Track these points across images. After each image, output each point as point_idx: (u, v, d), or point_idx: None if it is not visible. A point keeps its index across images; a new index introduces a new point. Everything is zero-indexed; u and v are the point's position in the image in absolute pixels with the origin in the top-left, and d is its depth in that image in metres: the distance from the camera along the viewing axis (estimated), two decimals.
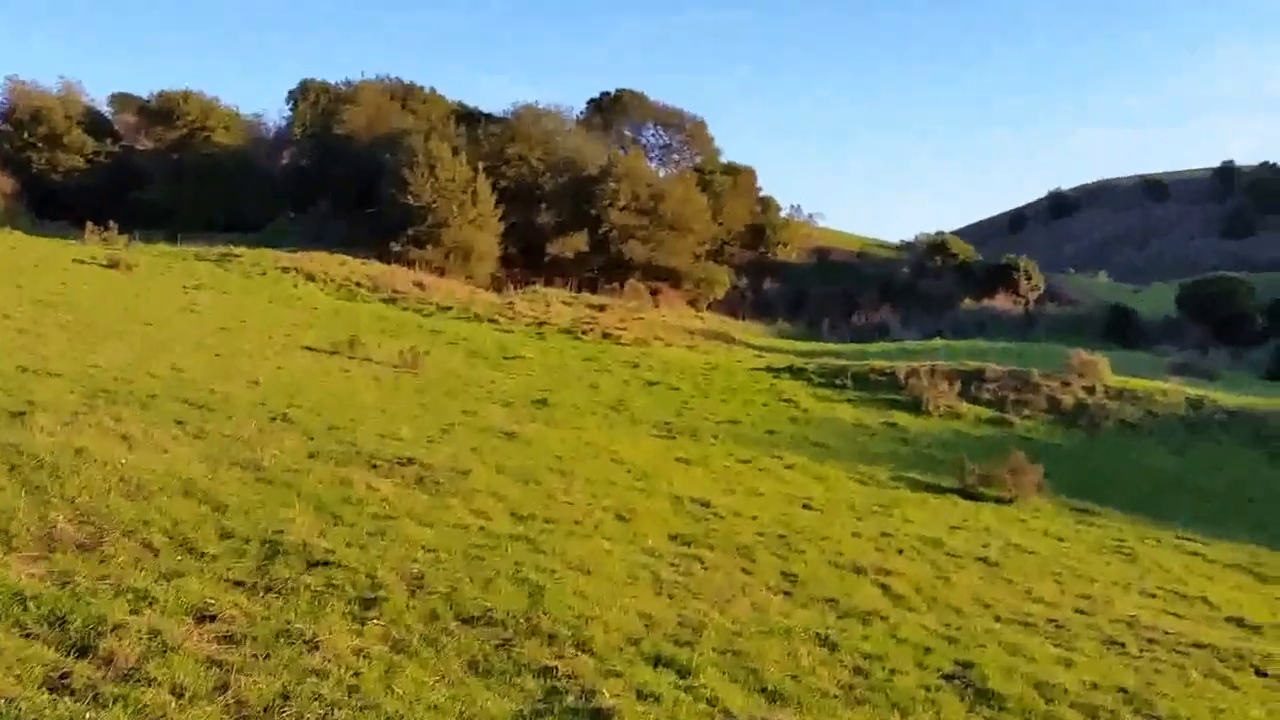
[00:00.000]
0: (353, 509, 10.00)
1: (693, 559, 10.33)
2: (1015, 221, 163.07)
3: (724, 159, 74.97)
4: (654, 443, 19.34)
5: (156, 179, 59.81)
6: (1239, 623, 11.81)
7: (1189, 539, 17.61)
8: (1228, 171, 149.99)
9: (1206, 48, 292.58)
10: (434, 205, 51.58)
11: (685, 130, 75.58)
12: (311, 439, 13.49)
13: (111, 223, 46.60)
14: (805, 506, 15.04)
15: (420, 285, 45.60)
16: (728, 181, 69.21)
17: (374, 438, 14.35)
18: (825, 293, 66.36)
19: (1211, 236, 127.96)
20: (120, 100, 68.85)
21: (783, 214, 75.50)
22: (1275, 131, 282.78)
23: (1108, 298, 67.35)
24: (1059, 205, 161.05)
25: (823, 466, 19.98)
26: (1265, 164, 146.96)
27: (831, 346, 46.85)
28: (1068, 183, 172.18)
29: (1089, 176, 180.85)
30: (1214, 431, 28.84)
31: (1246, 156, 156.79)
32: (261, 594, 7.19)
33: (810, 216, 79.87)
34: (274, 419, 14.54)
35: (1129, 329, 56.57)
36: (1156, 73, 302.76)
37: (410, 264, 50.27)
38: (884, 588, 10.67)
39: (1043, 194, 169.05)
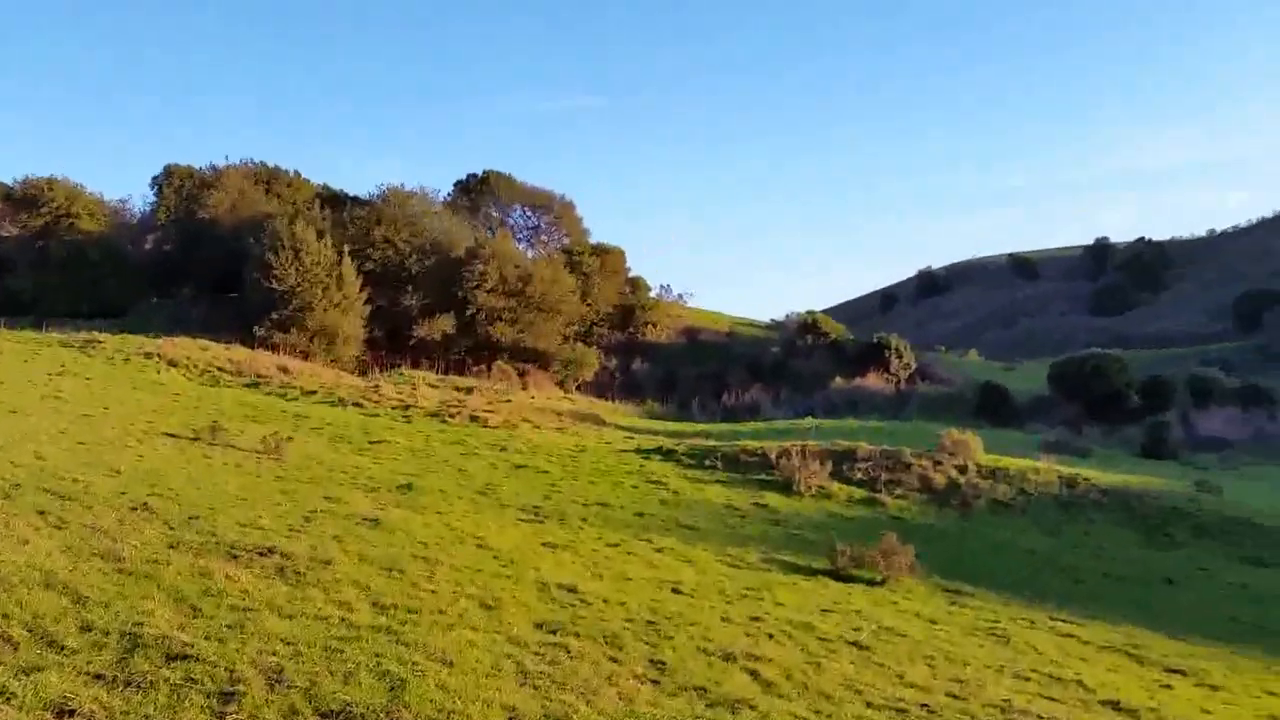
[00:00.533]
0: (212, 601, 9.80)
1: (559, 648, 10.22)
2: (886, 300, 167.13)
3: (593, 239, 75.81)
4: (521, 527, 19.20)
5: (21, 266, 59.18)
6: (1115, 706, 11.91)
7: (1063, 620, 17.76)
8: (1101, 248, 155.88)
9: (1079, 127, 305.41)
10: (298, 289, 51.17)
11: (553, 211, 76.30)
12: (172, 529, 13.21)
13: None
14: (675, 591, 15.01)
15: (284, 369, 44.99)
16: (596, 262, 69.81)
17: (235, 527, 14.07)
18: (695, 373, 67.00)
19: (1083, 314, 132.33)
20: None
21: (652, 294, 76.30)
22: (1147, 208, 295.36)
23: (979, 376, 69.07)
24: (929, 284, 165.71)
25: (693, 549, 19.99)
26: (1140, 239, 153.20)
27: (702, 427, 47.21)
28: (938, 262, 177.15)
29: (959, 255, 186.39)
30: (1088, 510, 29.55)
31: (1119, 233, 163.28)
32: (121, 688, 7.02)
33: (680, 296, 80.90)
34: (135, 508, 14.25)
35: (1001, 407, 57.87)
36: (1029, 153, 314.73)
37: (274, 348, 49.73)
38: (754, 674, 10.61)
39: (913, 273, 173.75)
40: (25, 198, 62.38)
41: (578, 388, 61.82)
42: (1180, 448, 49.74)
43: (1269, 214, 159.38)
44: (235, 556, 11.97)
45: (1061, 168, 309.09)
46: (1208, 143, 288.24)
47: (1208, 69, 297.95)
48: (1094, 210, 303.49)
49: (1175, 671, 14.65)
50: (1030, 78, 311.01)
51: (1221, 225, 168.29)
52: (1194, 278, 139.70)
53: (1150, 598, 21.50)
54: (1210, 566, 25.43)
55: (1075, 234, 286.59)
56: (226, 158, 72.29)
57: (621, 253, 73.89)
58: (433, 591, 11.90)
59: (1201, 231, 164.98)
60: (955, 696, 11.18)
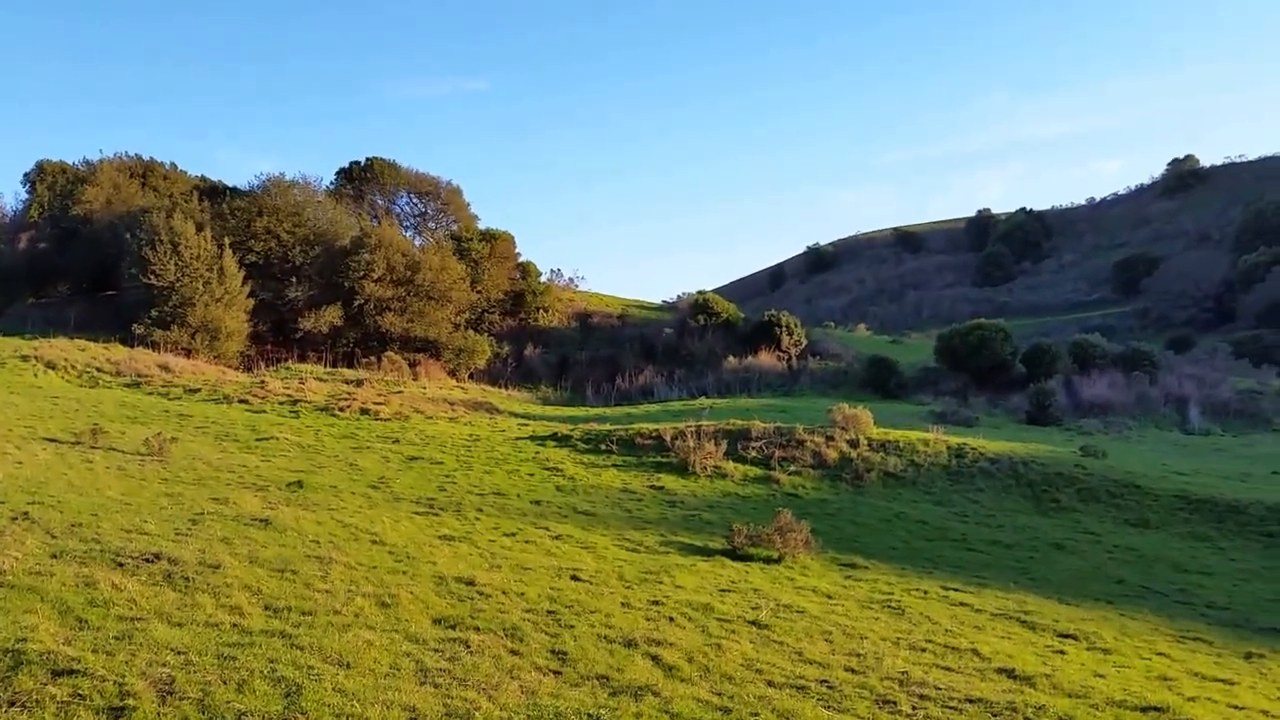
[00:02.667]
0: (99, 611, 9.63)
1: (459, 643, 10.17)
2: (775, 278, 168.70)
3: (482, 225, 75.22)
4: (416, 521, 19.02)
5: None
6: (1010, 674, 12.10)
7: (956, 589, 18.06)
8: (983, 220, 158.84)
9: (955, 100, 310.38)
10: (178, 284, 50.13)
11: (440, 197, 75.66)
12: (54, 538, 12.89)
13: None
14: (574, 578, 15.00)
15: (166, 368, 44.10)
16: (485, 248, 69.31)
17: (119, 533, 13.75)
18: (589, 357, 66.95)
19: (968, 285, 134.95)
20: None
21: (543, 279, 76.00)
22: (1025, 179, 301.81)
23: (868, 350, 69.84)
24: (818, 260, 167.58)
25: (591, 535, 20.00)
26: (1021, 210, 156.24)
27: (596, 411, 47.26)
28: (825, 238, 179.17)
29: (846, 231, 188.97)
30: (977, 479, 30.24)
31: (1000, 205, 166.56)
32: (5, 708, 6.90)
33: (571, 280, 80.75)
34: (15, 518, 13.86)
35: (889, 380, 58.52)
36: (911, 128, 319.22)
37: (155, 346, 48.68)
38: (655, 659, 10.68)
39: (802, 249, 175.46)
40: None
41: (470, 376, 61.40)
42: (1064, 414, 50.89)
43: (1146, 180, 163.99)
44: (121, 564, 11.71)
45: (939, 141, 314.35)
46: (1080, 114, 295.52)
47: (1077, 41, 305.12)
48: (976, 183, 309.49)
49: (1067, 636, 14.97)
50: (902, 51, 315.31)
51: (1100, 193, 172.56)
52: (1074, 246, 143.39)
53: (1040, 564, 21.99)
54: (1097, 530, 26.15)
55: (958, 206, 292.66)
56: (101, 152, 70.35)
57: (511, 238, 73.45)
58: (327, 591, 11.76)
59: (1080, 200, 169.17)
60: (854, 671, 11.35)
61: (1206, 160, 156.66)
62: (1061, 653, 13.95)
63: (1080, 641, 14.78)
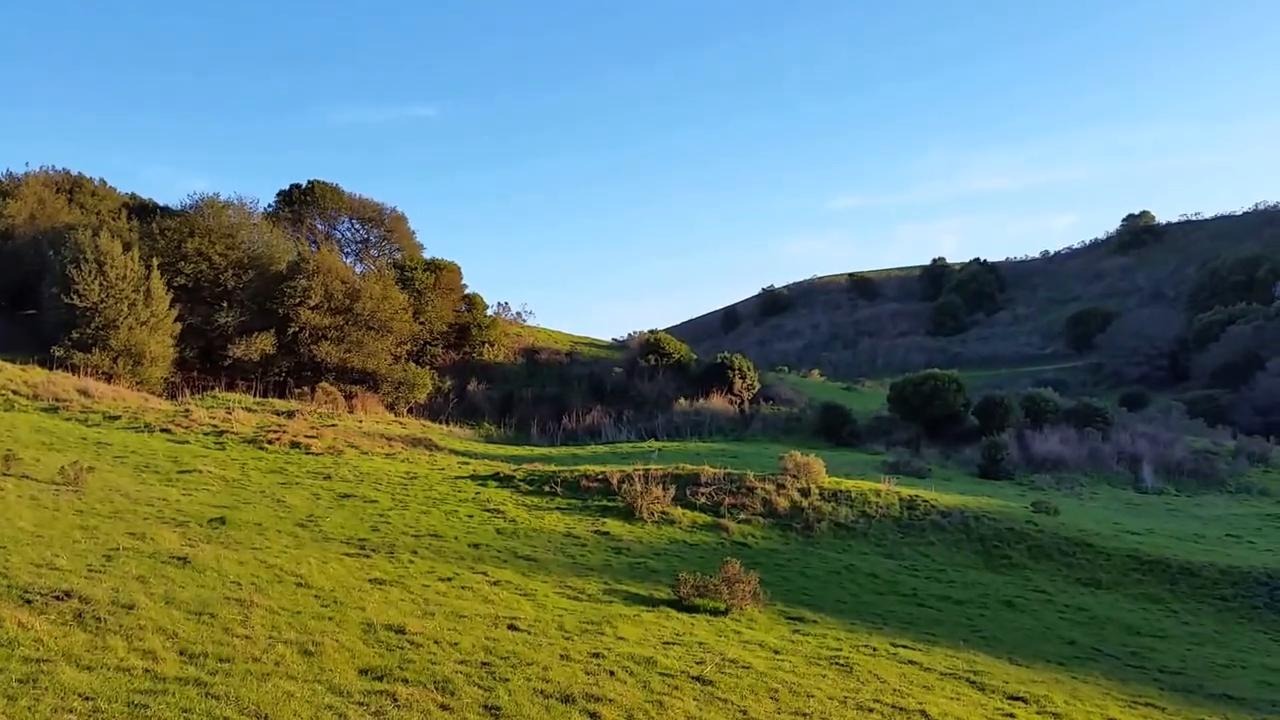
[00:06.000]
0: (2, 652, 9.38)
1: (385, 696, 9.93)
2: (729, 319, 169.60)
3: (427, 254, 74.88)
4: (346, 563, 18.68)
5: None
6: None
7: (905, 646, 18.03)
8: (937, 269, 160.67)
9: (911, 153, 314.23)
10: (102, 305, 49.35)
11: (384, 224, 75.32)
12: None
13: None
14: (512, 628, 14.76)
15: (85, 393, 43.30)
16: (430, 278, 68.95)
17: (29, 568, 13.42)
18: (535, 394, 66.69)
19: (920, 334, 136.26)
20: None
21: (489, 312, 75.72)
22: (978, 229, 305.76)
23: (821, 396, 70.22)
24: (772, 303, 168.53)
25: (532, 581, 19.76)
26: (975, 260, 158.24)
27: (541, 451, 47.07)
28: (780, 280, 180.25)
29: (801, 275, 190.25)
30: (928, 532, 30.31)
31: (955, 255, 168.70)
32: None
33: (519, 315, 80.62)
34: None
35: (842, 428, 58.90)
36: (864, 177, 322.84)
37: (75, 369, 47.77)
38: (594, 716, 10.52)
39: (756, 292, 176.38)
40: None
41: (410, 411, 60.90)
42: (1016, 468, 51.41)
43: (1101, 235, 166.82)
44: (29, 601, 11.43)
45: (895, 190, 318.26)
46: (1033, 169, 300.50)
47: (1034, 96, 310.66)
48: (930, 232, 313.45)
49: (1017, 699, 14.95)
50: (856, 96, 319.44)
51: (1054, 247, 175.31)
52: (1028, 299, 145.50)
53: (991, 622, 22.02)
54: (1048, 589, 26.28)
55: (911, 255, 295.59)
56: (26, 164, 69.35)
57: (457, 269, 73.16)
58: (247, 637, 11.47)
59: (1035, 253, 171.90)
60: None
61: (1162, 217, 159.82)
62: (1011, 716, 13.97)
63: (1030, 705, 14.77)
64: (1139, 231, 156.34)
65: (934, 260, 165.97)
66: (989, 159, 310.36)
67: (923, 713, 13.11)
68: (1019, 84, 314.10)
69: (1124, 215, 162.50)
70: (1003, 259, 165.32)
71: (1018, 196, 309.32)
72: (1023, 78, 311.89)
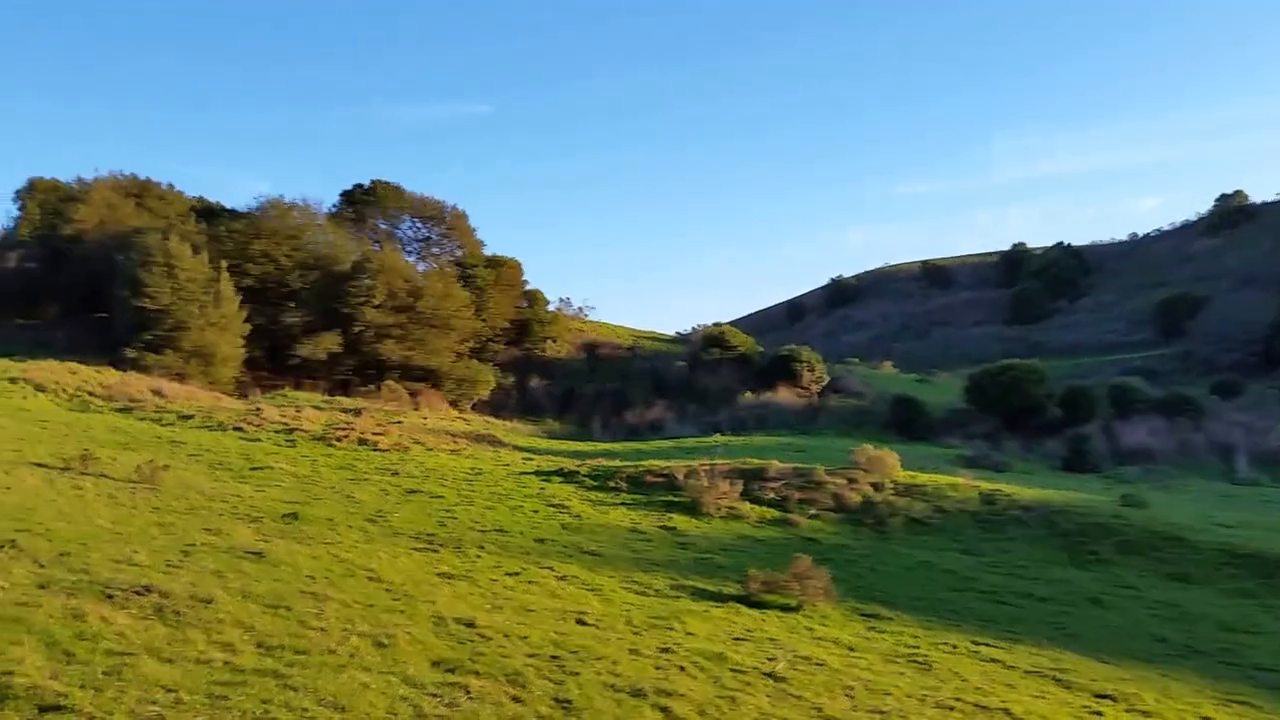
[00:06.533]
0: (87, 645, 9.68)
1: (458, 688, 10.16)
2: (795, 311, 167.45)
3: (488, 251, 75.37)
4: (414, 557, 19.04)
5: None
6: None
7: (986, 644, 17.75)
8: (1016, 255, 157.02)
9: (983, 137, 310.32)
10: (172, 307, 50.42)
11: (445, 222, 75.85)
12: (42, 567, 12.99)
13: None
14: (580, 622, 14.96)
15: (159, 393, 44.35)
16: (491, 275, 69.51)
17: (109, 563, 13.85)
18: (597, 389, 66.97)
19: (998, 323, 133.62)
20: None
21: (551, 307, 76.21)
22: (1057, 214, 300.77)
23: (892, 388, 69.35)
24: (840, 294, 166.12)
25: (598, 577, 19.95)
26: (1057, 245, 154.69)
27: (604, 446, 47.28)
28: (848, 270, 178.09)
29: (870, 264, 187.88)
30: (1008, 528, 29.76)
31: (1035, 239, 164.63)
32: None
33: (580, 309, 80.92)
34: (1, 546, 13.96)
35: (915, 421, 58.18)
36: (936, 162, 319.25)
37: (147, 370, 48.87)
38: (665, 710, 10.62)
39: (824, 282, 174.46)
40: None
41: (472, 407, 61.53)
42: (1102, 461, 50.55)
43: (1191, 216, 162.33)
44: (110, 596, 11.77)
45: (969, 174, 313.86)
46: (1114, 149, 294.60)
47: (1117, 74, 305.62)
48: (1006, 218, 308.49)
49: (1104, 697, 14.71)
50: (928, 81, 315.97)
51: (1139, 230, 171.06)
52: (1112, 284, 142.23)
53: (1076, 619, 21.63)
54: (1137, 585, 25.77)
55: (987, 242, 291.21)
56: (95, 170, 70.86)
57: (518, 265, 73.71)
58: (321, 629, 11.79)
59: (1121, 236, 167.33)
60: None
61: (1256, 196, 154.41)
62: (1099, 714, 13.74)
63: (1119, 703, 14.52)
64: (1231, 212, 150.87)
65: (1013, 245, 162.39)
66: (1069, 140, 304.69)
67: (1006, 711, 12.95)
68: (1099, 60, 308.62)
69: (1215, 195, 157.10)
70: (1086, 243, 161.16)
71: (1098, 179, 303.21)
72: (1105, 53, 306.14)
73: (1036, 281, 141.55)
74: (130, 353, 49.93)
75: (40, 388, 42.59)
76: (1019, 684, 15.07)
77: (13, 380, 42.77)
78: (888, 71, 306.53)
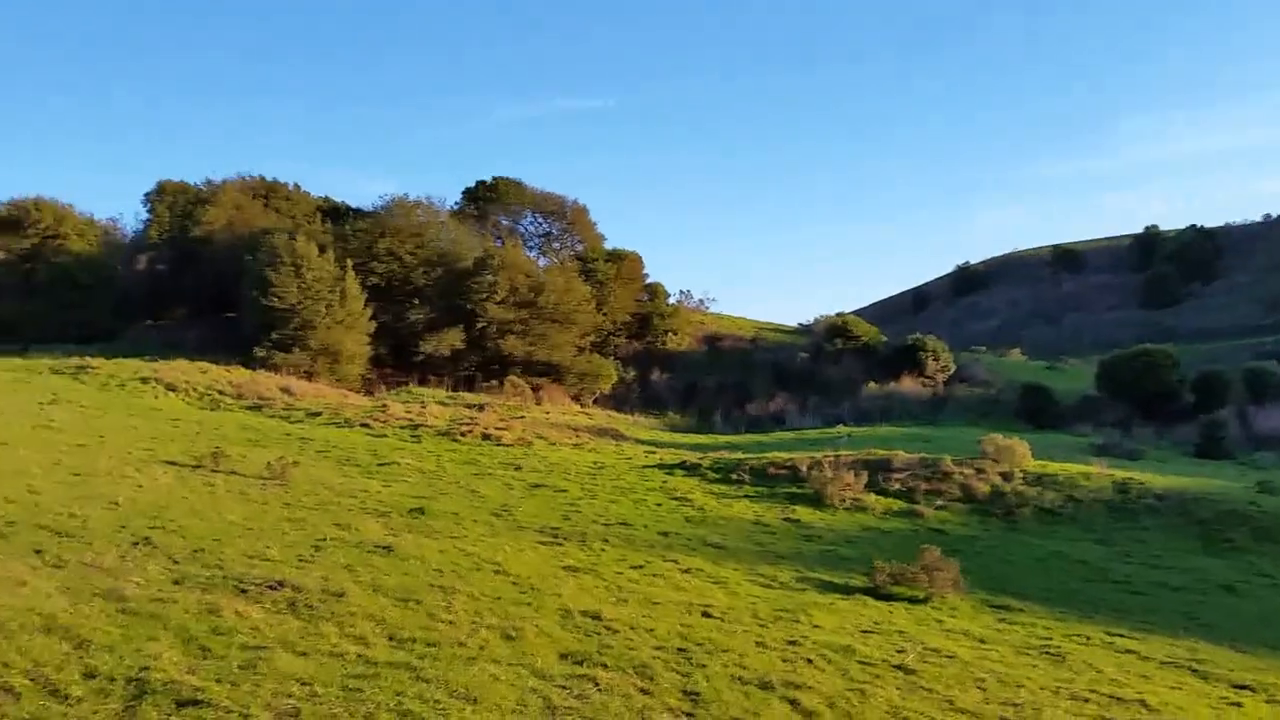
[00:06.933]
0: (222, 640, 9.88)
1: (586, 680, 10.19)
2: (919, 299, 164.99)
3: (608, 245, 75.61)
4: (540, 551, 19.18)
5: (7, 290, 59.36)
6: None
7: (1121, 635, 17.44)
8: (1149, 238, 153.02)
9: (1116, 116, 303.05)
10: (300, 306, 51.39)
11: (565, 217, 76.27)
12: (176, 563, 13.31)
13: None
14: (705, 615, 14.92)
15: (287, 391, 45.28)
16: (611, 269, 69.70)
17: (242, 559, 14.16)
18: (718, 382, 66.85)
19: (1131, 308, 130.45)
20: None
21: (671, 301, 76.17)
22: (1191, 194, 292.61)
23: (1021, 376, 68.21)
24: (966, 281, 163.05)
25: (722, 569, 19.92)
26: (1191, 227, 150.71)
27: (726, 439, 47.13)
28: (975, 256, 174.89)
29: (997, 250, 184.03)
30: (1141, 516, 29.20)
31: (1166, 222, 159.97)
32: None
33: (701, 302, 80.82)
34: (136, 543, 14.37)
35: (1045, 409, 56.98)
36: (1064, 143, 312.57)
37: (276, 369, 49.92)
38: (794, 703, 10.53)
39: (949, 269, 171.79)
40: (10, 220, 62.35)
41: (594, 401, 61.84)
42: (1237, 447, 49.17)
43: None
44: (244, 591, 12.03)
45: (1099, 154, 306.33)
46: (1253, 126, 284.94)
47: (1248, 52, 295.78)
48: (1137, 199, 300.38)
49: (1243, 688, 14.35)
50: (1055, 59, 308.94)
51: (1276, 210, 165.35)
52: (1247, 266, 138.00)
53: (1210, 608, 21.13)
54: (1273, 573, 25.06)
55: (1118, 224, 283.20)
56: (223, 172, 72.57)
57: (638, 258, 73.79)
58: (451, 623, 11.91)
59: (1255, 217, 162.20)
60: None
61: None
62: (1238, 705, 13.40)
63: (1258, 693, 14.12)
64: None
65: (1146, 228, 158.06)
66: (1199, 119, 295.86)
67: (1142, 702, 12.67)
68: (1229, 37, 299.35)
69: None
70: (1219, 225, 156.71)
71: (1230, 158, 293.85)
72: (1235, 30, 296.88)
73: (1169, 265, 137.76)
74: (259, 352, 51.05)
75: (171, 387, 43.75)
76: (1154, 675, 14.75)
77: (144, 380, 44.03)
78: (1014, 56, 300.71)
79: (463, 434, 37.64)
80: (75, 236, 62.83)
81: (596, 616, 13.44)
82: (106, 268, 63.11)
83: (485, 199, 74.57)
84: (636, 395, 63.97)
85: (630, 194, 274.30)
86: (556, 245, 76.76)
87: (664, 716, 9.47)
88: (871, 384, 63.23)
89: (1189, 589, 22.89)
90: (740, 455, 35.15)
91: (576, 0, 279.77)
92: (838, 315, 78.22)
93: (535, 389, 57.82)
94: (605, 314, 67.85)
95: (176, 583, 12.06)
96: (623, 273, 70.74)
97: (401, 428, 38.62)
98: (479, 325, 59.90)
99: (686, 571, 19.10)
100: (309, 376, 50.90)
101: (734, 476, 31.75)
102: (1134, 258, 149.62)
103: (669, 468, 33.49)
